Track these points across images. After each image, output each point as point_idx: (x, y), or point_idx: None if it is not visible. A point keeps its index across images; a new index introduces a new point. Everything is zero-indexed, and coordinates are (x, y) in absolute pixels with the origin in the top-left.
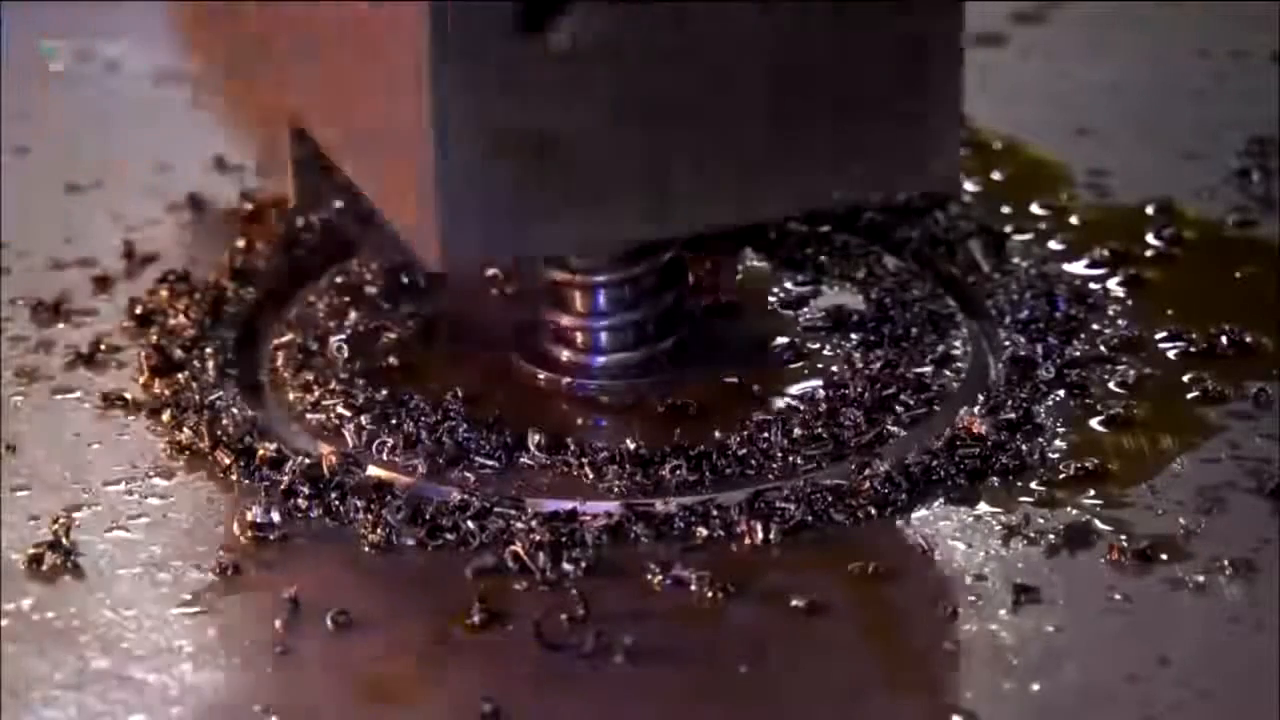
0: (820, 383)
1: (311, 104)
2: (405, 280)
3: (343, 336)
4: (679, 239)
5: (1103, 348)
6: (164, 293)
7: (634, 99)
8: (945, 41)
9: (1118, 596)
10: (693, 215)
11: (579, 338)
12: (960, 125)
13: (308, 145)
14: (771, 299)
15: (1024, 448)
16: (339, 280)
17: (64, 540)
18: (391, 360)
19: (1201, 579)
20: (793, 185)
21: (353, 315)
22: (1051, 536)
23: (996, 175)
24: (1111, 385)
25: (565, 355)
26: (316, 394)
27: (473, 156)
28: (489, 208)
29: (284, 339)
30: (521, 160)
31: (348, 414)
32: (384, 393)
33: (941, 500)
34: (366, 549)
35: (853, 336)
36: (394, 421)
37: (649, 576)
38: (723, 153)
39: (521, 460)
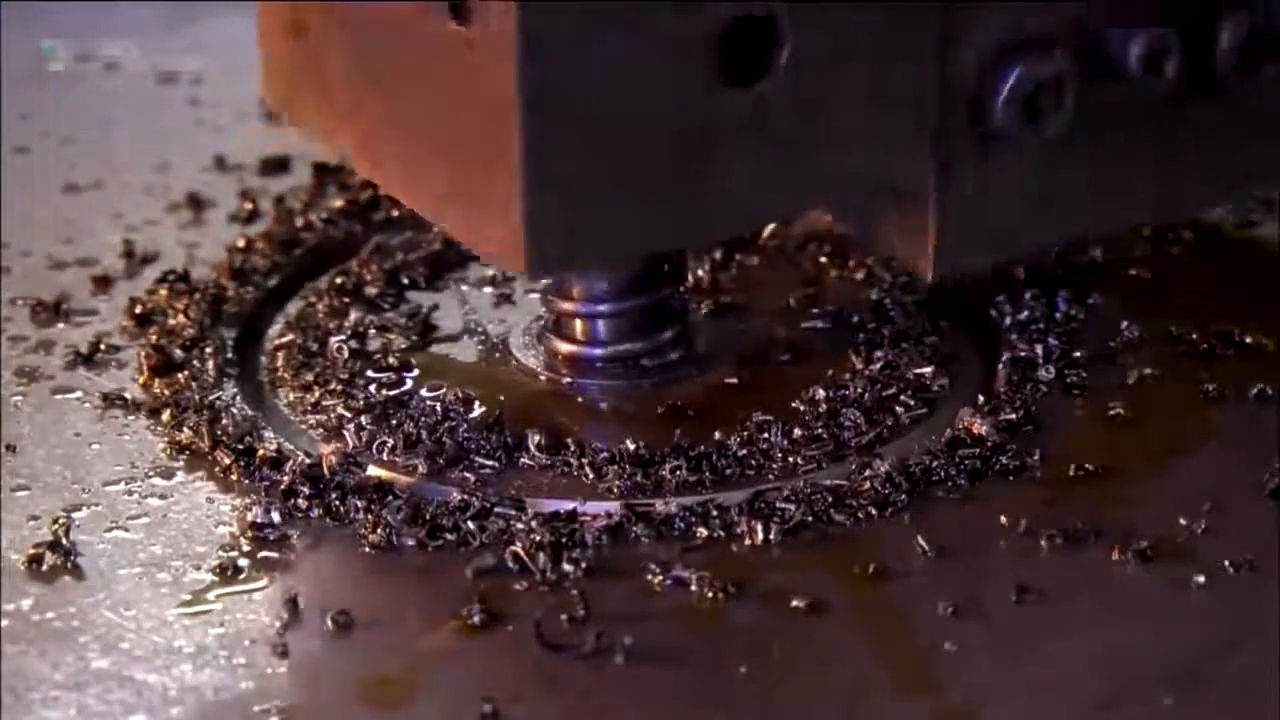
0: (820, 383)
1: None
2: (405, 280)
3: (343, 336)
4: None
5: (1102, 348)
6: (164, 293)
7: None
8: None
9: (1118, 596)
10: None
11: (579, 328)
12: (537, 199)
13: None
14: (771, 299)
15: (1024, 448)
16: (339, 280)
17: (64, 540)
18: (391, 360)
19: (1201, 579)
20: (419, 198)
21: (353, 315)
22: (1052, 536)
23: None
24: (1111, 385)
25: (565, 349)
26: (316, 394)
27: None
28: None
29: (284, 339)
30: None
31: (348, 414)
32: (384, 393)
33: (942, 500)
34: (366, 549)
35: (853, 336)
36: (394, 421)
37: (649, 576)
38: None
39: (521, 460)
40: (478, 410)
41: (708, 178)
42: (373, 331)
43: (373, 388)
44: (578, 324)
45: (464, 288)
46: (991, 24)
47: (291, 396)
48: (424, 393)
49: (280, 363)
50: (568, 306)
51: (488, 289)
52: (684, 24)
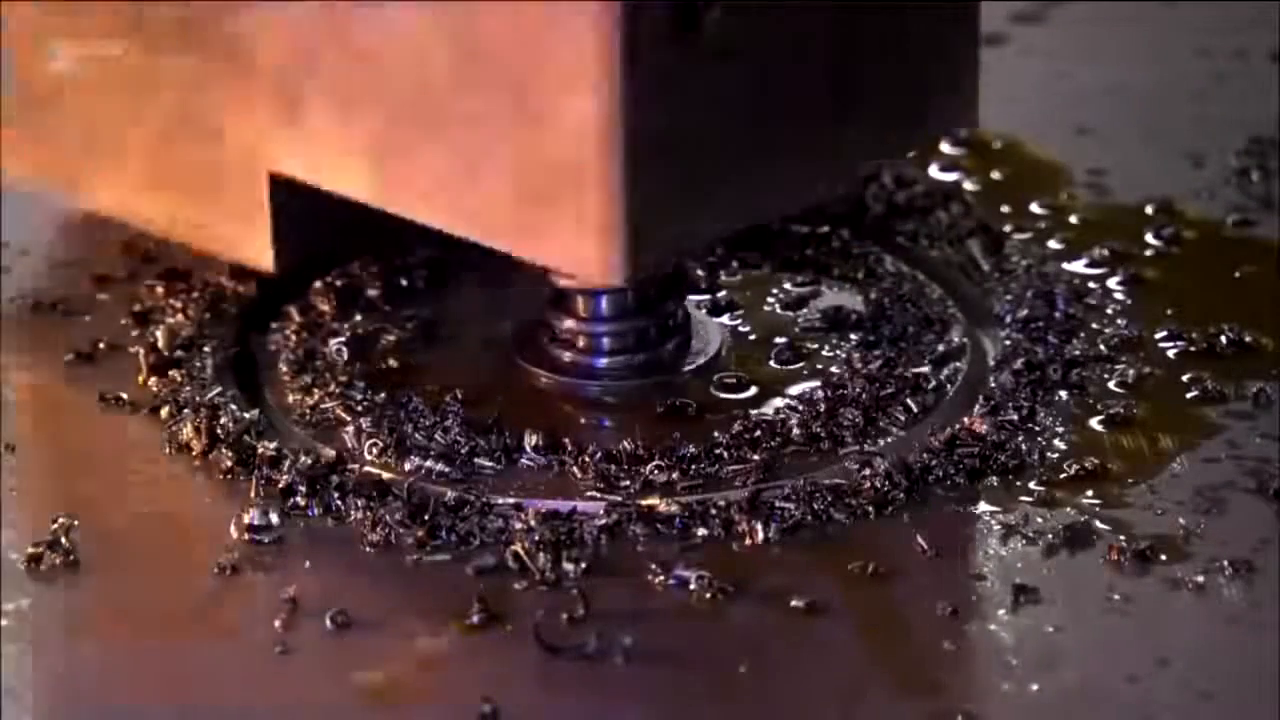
0: (819, 383)
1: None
2: (405, 282)
3: (343, 338)
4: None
5: (1102, 347)
6: (163, 291)
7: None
8: None
9: (1117, 596)
10: (775, 204)
11: (581, 341)
12: None
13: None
14: (771, 299)
15: (1024, 447)
16: (339, 281)
17: (64, 540)
18: (391, 362)
19: (1201, 579)
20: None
21: (352, 316)
22: (1051, 536)
23: (996, 175)
24: (1111, 385)
25: (566, 356)
26: (316, 395)
27: (646, 163)
28: (655, 213)
29: (283, 339)
30: (671, 161)
31: (347, 415)
32: (383, 394)
33: (941, 500)
34: (366, 549)
35: (852, 336)
36: (393, 422)
37: (649, 576)
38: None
39: (521, 460)
40: (478, 411)
41: None
42: (372, 331)
43: (372, 387)
44: (580, 339)
45: (464, 288)
46: None
47: (291, 397)
48: (423, 394)
49: (279, 362)
50: (569, 325)
51: (487, 288)
52: None
